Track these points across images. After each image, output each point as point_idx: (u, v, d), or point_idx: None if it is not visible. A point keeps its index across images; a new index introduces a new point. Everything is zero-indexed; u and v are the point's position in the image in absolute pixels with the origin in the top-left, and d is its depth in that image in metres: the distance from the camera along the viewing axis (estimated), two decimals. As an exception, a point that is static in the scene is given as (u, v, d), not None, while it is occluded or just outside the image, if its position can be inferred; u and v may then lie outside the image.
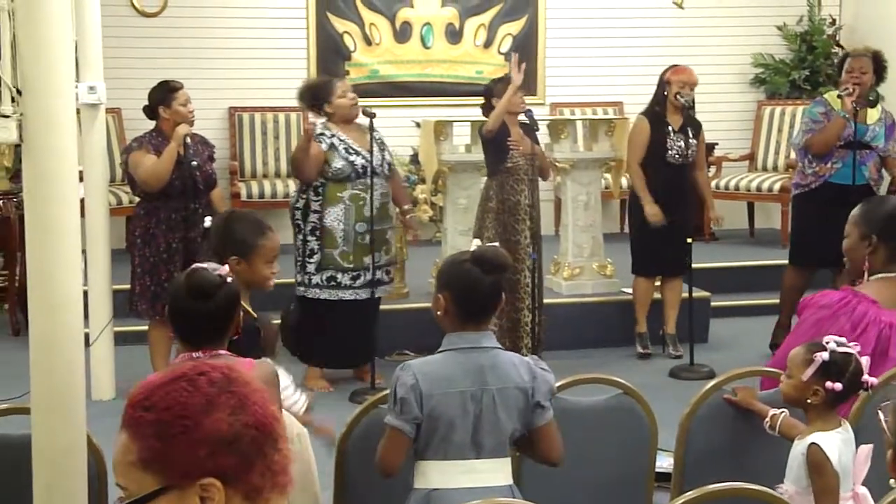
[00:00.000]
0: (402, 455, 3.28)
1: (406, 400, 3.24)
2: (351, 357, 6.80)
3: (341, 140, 6.56)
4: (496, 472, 3.31)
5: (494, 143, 6.79)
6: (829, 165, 7.05)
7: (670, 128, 7.20)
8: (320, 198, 6.57)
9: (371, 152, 6.49)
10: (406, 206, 6.96)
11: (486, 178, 7.11)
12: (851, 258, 4.48)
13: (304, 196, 6.62)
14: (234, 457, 1.62)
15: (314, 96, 6.69)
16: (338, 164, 6.51)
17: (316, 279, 6.57)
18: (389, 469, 3.29)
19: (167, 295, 6.19)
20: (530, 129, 6.79)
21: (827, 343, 3.41)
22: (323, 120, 6.68)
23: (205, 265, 3.38)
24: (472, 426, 3.28)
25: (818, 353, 3.38)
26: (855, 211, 4.47)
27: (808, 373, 3.38)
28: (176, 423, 1.61)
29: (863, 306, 4.23)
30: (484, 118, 6.97)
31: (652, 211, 7.11)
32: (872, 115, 7.11)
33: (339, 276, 6.58)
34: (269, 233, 3.98)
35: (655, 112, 7.26)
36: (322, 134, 6.57)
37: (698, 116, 7.38)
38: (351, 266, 6.57)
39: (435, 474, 3.29)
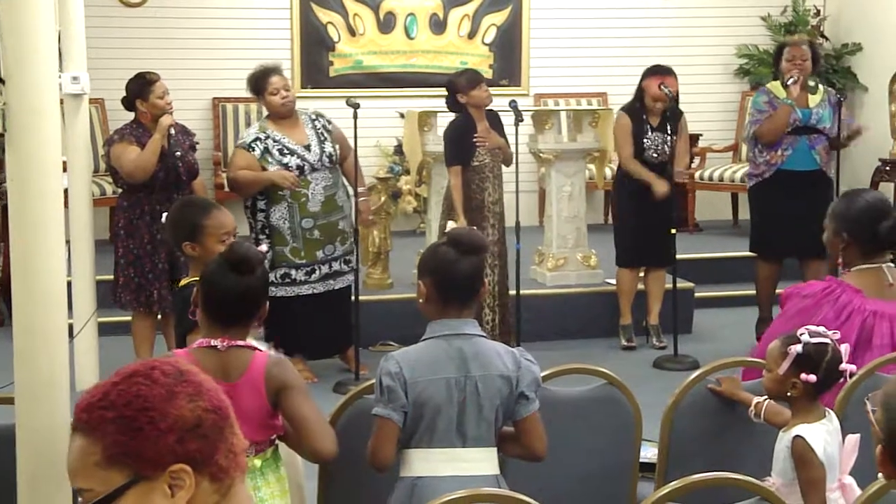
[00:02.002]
0: (393, 445, 3.27)
1: (391, 388, 3.24)
2: (324, 346, 6.80)
3: (276, 141, 6.50)
4: (482, 461, 3.31)
5: (460, 141, 6.77)
6: (779, 153, 7.13)
7: (648, 126, 7.23)
8: (265, 198, 6.53)
9: (282, 153, 6.46)
10: (360, 189, 6.78)
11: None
12: (830, 250, 4.55)
13: (251, 196, 6.60)
14: (199, 441, 1.67)
15: (254, 87, 6.66)
16: (272, 168, 6.46)
17: (270, 277, 6.53)
18: (382, 460, 3.27)
19: (150, 286, 6.24)
20: (497, 118, 6.79)
21: (801, 335, 3.42)
22: (255, 128, 6.64)
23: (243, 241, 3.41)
24: (457, 414, 3.28)
25: (792, 346, 3.39)
26: (832, 205, 4.53)
27: (783, 366, 3.39)
28: (140, 416, 1.65)
29: (846, 295, 4.26)
30: (451, 112, 6.91)
31: (660, 184, 7.10)
32: (814, 99, 7.21)
33: (293, 272, 6.56)
34: (214, 212, 3.99)
35: (635, 109, 7.30)
36: (256, 139, 6.52)
37: (682, 107, 7.38)
38: (304, 262, 6.56)
39: (419, 462, 3.29)
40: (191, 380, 1.71)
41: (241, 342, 3.21)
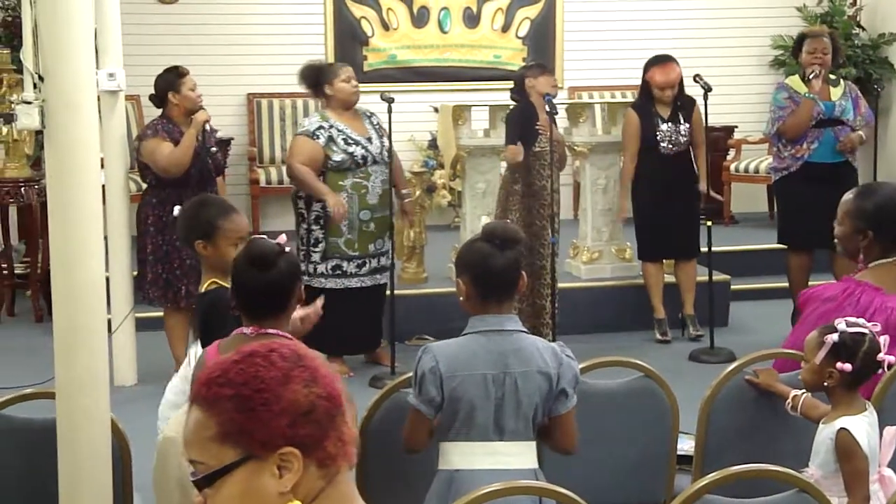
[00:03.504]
0: (423, 434, 3.32)
1: (425, 381, 3.27)
2: (359, 343, 6.80)
3: (340, 131, 6.50)
4: (520, 454, 3.31)
5: (524, 126, 6.78)
6: (805, 146, 7.10)
7: (659, 119, 7.22)
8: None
9: (347, 142, 6.47)
10: (404, 191, 6.87)
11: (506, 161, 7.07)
12: (845, 246, 4.45)
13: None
14: (310, 426, 1.70)
15: (316, 77, 6.63)
16: (337, 157, 6.46)
17: (321, 268, 6.55)
18: (412, 446, 3.36)
19: (178, 282, 6.26)
20: (553, 117, 6.80)
21: (838, 324, 3.41)
22: (316, 117, 6.65)
23: (261, 236, 3.42)
24: (495, 409, 3.28)
25: (828, 336, 3.39)
26: (847, 198, 4.39)
27: (819, 355, 3.38)
28: (256, 397, 1.69)
29: (867, 295, 4.19)
30: (513, 101, 7.00)
31: (624, 206, 7.39)
32: (835, 91, 7.18)
33: (345, 264, 6.56)
34: (233, 215, 3.98)
35: (644, 104, 7.31)
36: (320, 127, 6.51)
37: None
38: (356, 254, 6.56)
39: (457, 455, 3.30)
40: (308, 365, 1.74)
41: (271, 330, 3.23)
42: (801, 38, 7.36)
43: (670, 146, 7.21)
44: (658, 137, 7.20)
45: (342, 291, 6.52)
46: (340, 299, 6.48)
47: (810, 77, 7.03)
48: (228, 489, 1.68)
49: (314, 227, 6.55)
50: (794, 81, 7.20)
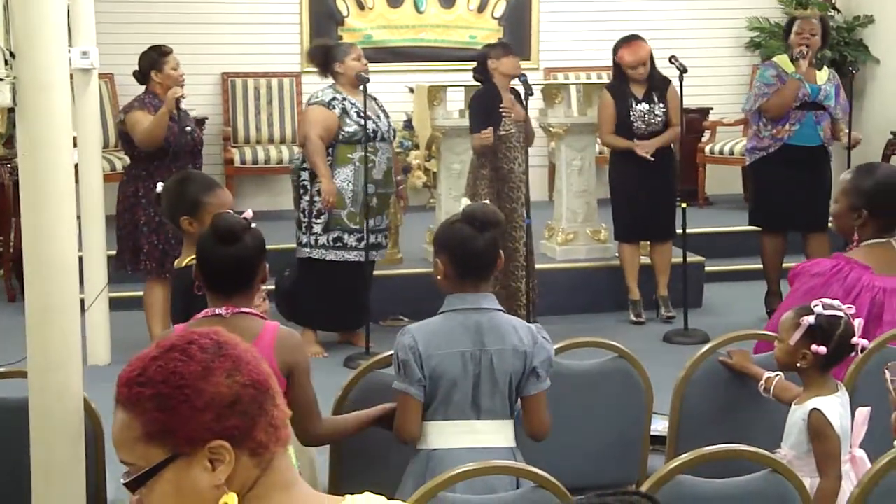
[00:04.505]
0: (416, 419, 3.29)
1: (407, 362, 3.27)
2: (347, 319, 6.83)
3: (352, 104, 6.58)
4: (497, 433, 3.32)
5: (488, 111, 6.76)
6: (786, 127, 7.14)
7: (633, 99, 7.23)
8: (330, 158, 6.59)
9: (365, 117, 6.51)
10: (398, 177, 7.00)
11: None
12: (838, 224, 4.49)
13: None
14: (237, 418, 1.65)
15: (325, 56, 6.72)
16: (350, 128, 6.55)
17: (322, 240, 6.61)
18: (407, 436, 3.31)
19: (174, 251, 6.25)
20: (518, 94, 6.79)
21: (815, 307, 3.42)
22: (328, 89, 6.68)
23: (227, 211, 3.38)
24: (472, 387, 3.29)
25: (805, 317, 3.40)
26: (844, 176, 4.45)
27: (795, 336, 3.40)
28: (176, 394, 1.64)
29: (855, 273, 4.23)
30: (476, 83, 6.97)
31: (640, 145, 7.15)
32: (821, 76, 7.21)
33: (346, 236, 6.63)
34: (217, 190, 3.96)
35: (618, 85, 7.31)
36: (334, 98, 6.60)
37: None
38: (357, 227, 6.62)
39: (435, 435, 3.31)
40: (229, 353, 1.69)
41: (245, 309, 3.21)
42: (791, 21, 7.40)
43: (643, 125, 7.21)
44: (632, 117, 7.21)
45: (339, 264, 6.60)
46: (336, 273, 6.60)
47: (797, 56, 7.05)
48: (161, 488, 1.65)
49: (317, 197, 6.59)
50: (783, 60, 7.22)
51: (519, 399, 3.36)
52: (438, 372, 3.27)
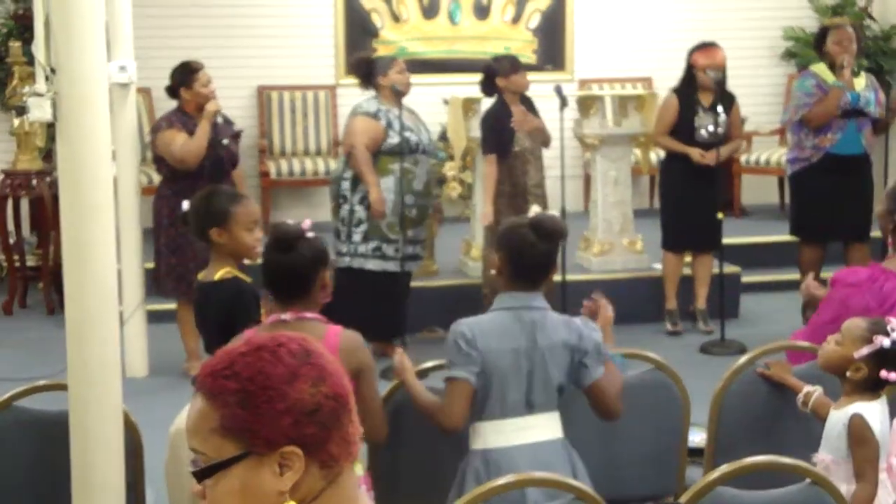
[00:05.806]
0: (466, 406, 3.36)
1: (465, 352, 3.34)
2: (384, 329, 6.83)
3: (396, 116, 6.62)
4: (546, 426, 3.42)
5: (499, 129, 6.77)
6: (829, 136, 7.07)
7: (699, 106, 7.18)
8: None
9: (402, 128, 6.54)
10: (434, 191, 7.05)
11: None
12: (881, 224, 4.52)
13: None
14: (314, 427, 1.66)
15: (368, 68, 6.77)
16: (394, 139, 6.59)
17: (362, 248, 6.64)
18: (454, 423, 3.35)
19: (191, 275, 6.28)
20: (530, 102, 6.79)
21: (893, 329, 3.34)
22: (372, 101, 6.70)
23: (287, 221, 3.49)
24: (526, 384, 3.37)
25: (879, 337, 3.33)
26: (893, 184, 4.49)
27: (862, 351, 3.33)
28: (260, 393, 1.65)
29: (891, 283, 4.21)
30: (484, 95, 7.01)
31: (696, 151, 7.09)
32: (859, 82, 7.16)
33: (385, 246, 6.66)
34: (244, 200, 4.03)
35: (685, 90, 7.25)
36: (379, 110, 6.64)
37: (728, 90, 7.33)
38: (396, 237, 6.64)
39: (492, 434, 3.38)
40: (315, 362, 1.70)
41: (308, 314, 3.30)
42: (824, 31, 7.33)
43: (706, 135, 7.15)
44: (696, 124, 7.16)
45: (378, 274, 6.63)
46: (374, 282, 6.63)
47: (843, 65, 6.98)
48: (227, 483, 1.66)
49: (357, 206, 6.64)
50: (821, 69, 7.15)
51: (584, 391, 3.47)
52: (491, 367, 3.35)
